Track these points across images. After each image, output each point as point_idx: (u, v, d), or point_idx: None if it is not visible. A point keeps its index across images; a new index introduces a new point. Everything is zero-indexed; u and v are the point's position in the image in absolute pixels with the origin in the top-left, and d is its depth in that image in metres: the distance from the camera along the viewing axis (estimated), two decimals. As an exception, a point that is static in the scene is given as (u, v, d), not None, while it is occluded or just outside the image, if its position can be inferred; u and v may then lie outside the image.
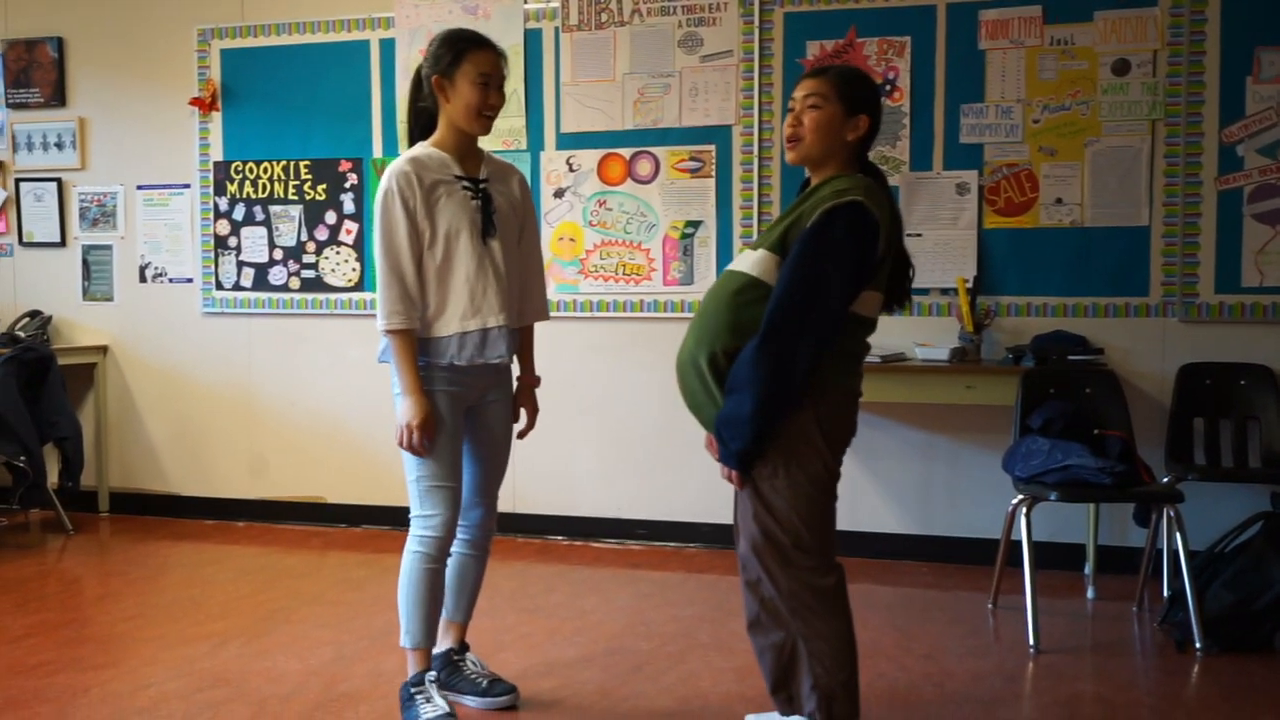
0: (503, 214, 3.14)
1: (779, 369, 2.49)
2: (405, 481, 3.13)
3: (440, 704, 3.08)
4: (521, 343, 3.34)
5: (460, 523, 3.25)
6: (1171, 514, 3.91)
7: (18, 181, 6.11)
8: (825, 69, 2.73)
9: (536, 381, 3.41)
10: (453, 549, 3.28)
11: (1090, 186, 4.73)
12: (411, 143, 3.20)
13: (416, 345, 3.04)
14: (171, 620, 4.15)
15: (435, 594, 3.13)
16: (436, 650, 3.30)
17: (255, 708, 3.27)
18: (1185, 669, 3.66)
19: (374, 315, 3.11)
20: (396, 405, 3.07)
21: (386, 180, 3.03)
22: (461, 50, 3.05)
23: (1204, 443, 4.54)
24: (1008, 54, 4.78)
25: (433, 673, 3.15)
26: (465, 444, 3.24)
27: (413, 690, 3.10)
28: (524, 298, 3.26)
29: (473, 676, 3.31)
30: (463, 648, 3.36)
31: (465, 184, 3.09)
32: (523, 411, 3.39)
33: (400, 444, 3.03)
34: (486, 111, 3.08)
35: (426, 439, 3.01)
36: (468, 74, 3.04)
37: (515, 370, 3.37)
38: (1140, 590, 4.28)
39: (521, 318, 3.27)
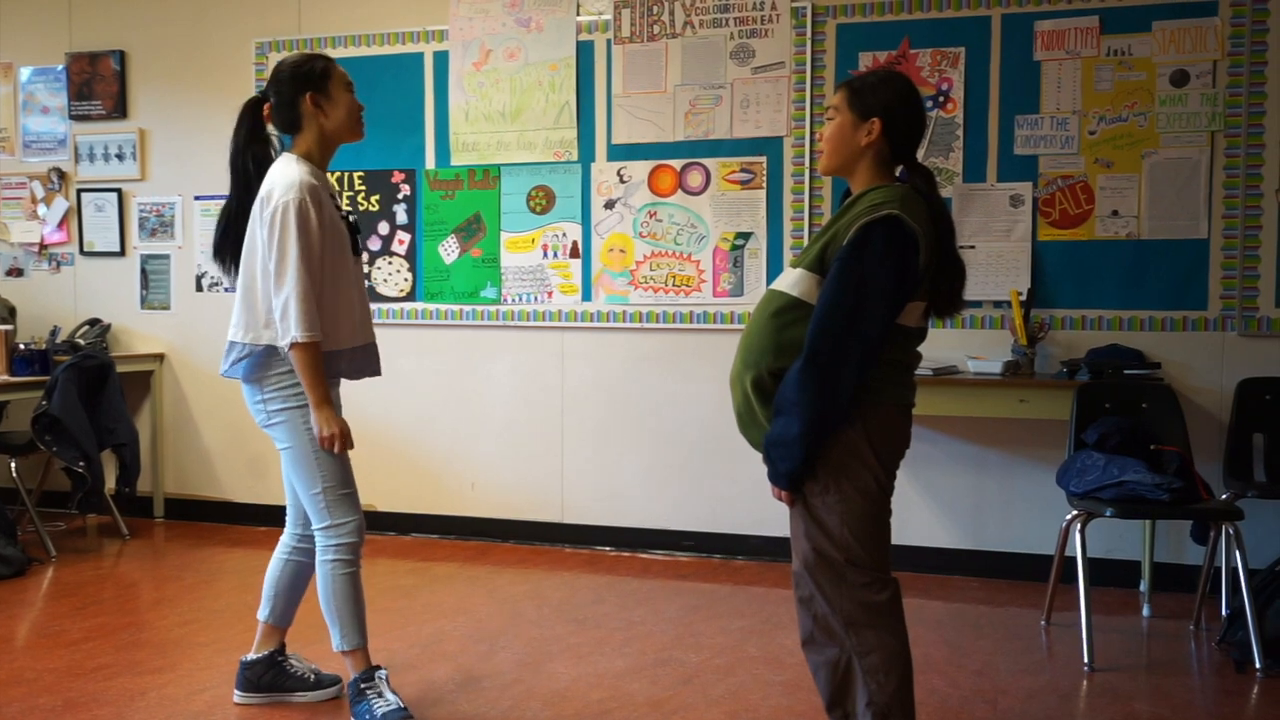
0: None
1: (825, 390, 2.46)
2: (308, 495, 3.14)
3: (392, 698, 3.13)
4: None
5: (307, 531, 3.28)
6: (1231, 531, 3.85)
7: (79, 192, 6.24)
8: (849, 79, 2.71)
9: None
10: (290, 556, 3.34)
11: (1147, 199, 4.67)
12: (242, 188, 3.15)
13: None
14: (226, 625, 4.20)
15: (359, 595, 3.18)
16: (255, 655, 3.36)
17: (307, 714, 3.31)
18: (1245, 689, 3.59)
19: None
20: (288, 418, 3.07)
21: (295, 192, 2.98)
22: (324, 65, 3.12)
23: (1264, 459, 4.45)
24: (1064, 65, 4.74)
25: (384, 670, 3.21)
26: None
27: (363, 685, 3.16)
28: None
29: (300, 674, 3.39)
30: (283, 649, 3.41)
31: (335, 201, 3.15)
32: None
33: (325, 449, 3.06)
34: (361, 117, 3.18)
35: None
36: (339, 83, 3.12)
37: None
38: (1198, 608, 4.21)
39: None
